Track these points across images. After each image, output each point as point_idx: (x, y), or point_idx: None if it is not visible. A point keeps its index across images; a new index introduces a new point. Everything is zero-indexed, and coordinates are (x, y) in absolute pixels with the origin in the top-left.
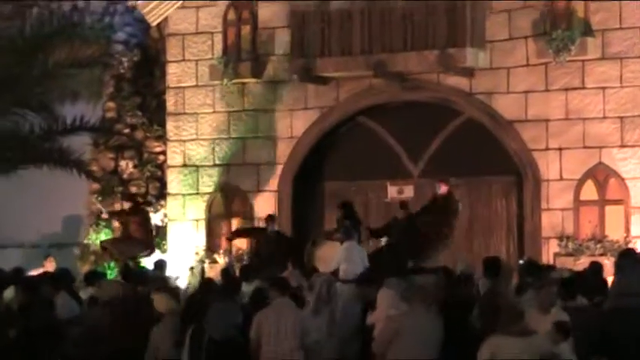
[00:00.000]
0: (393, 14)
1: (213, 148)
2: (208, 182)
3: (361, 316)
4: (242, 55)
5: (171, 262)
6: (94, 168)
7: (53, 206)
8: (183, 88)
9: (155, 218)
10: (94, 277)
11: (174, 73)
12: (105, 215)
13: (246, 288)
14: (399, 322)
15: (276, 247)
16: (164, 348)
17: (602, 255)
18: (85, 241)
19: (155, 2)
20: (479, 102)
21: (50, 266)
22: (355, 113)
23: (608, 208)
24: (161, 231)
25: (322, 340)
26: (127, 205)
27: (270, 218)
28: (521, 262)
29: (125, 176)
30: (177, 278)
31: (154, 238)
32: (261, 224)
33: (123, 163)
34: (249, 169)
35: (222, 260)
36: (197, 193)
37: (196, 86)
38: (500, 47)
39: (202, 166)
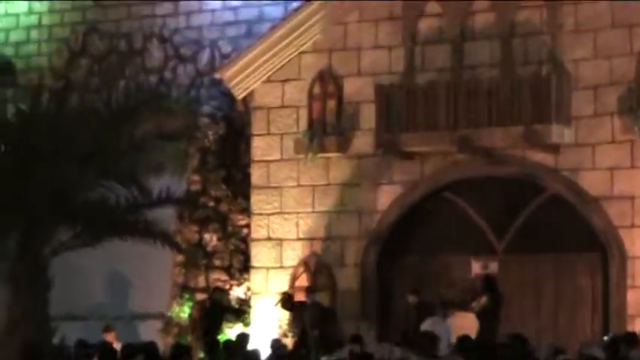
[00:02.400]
0: (478, 89)
1: (297, 222)
2: (292, 256)
3: None
4: (327, 129)
5: (254, 335)
6: (179, 240)
7: (137, 277)
8: (268, 161)
9: (238, 291)
10: (180, 350)
11: (259, 146)
12: None
13: None
14: None
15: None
16: None
17: None
18: (169, 314)
19: (241, 76)
20: (564, 178)
21: (111, 337)
22: (440, 188)
23: None
24: (244, 304)
25: None
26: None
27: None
28: (605, 338)
29: (209, 249)
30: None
31: None
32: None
33: (207, 236)
34: (333, 243)
35: None
36: (281, 267)
37: (281, 160)
38: (585, 123)
39: (286, 239)
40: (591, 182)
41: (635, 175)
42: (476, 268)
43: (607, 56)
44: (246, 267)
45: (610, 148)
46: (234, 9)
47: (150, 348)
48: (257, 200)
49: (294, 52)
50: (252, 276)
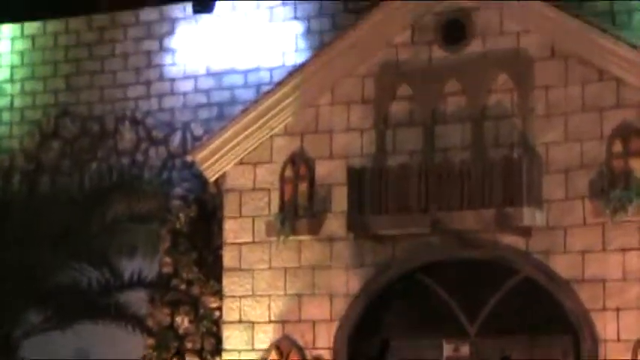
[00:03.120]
0: (450, 171)
1: (269, 305)
2: (264, 339)
3: None
4: (299, 211)
5: None
6: (150, 323)
7: None
8: (240, 244)
9: None
10: None
11: (231, 228)
12: None
13: None
14: None
15: None
16: None
17: None
18: None
19: (213, 158)
20: (536, 261)
21: None
22: (412, 270)
23: None
24: None
25: None
26: None
27: None
28: None
29: (181, 332)
30: None
31: None
32: None
33: (179, 319)
34: (304, 326)
35: None
36: (252, 349)
37: (253, 242)
38: (557, 206)
39: (258, 322)
40: (563, 265)
41: (607, 259)
42: (448, 350)
43: (578, 139)
44: (218, 350)
45: (581, 231)
46: (206, 91)
47: None
48: (229, 283)
49: (266, 134)
50: (223, 359)
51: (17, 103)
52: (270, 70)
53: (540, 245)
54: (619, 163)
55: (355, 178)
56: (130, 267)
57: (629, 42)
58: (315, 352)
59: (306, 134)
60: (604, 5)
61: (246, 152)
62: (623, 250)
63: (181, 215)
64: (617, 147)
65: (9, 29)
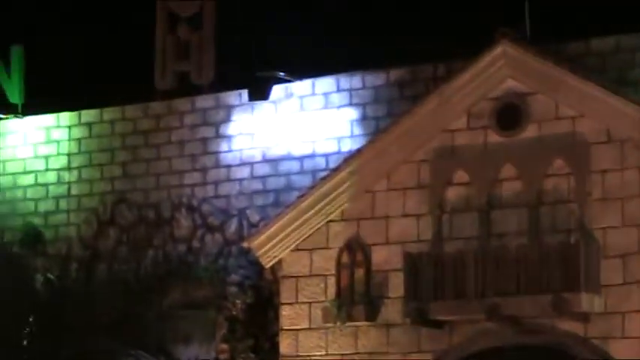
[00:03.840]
0: (506, 257)
1: None
2: None
3: None
4: (355, 297)
5: None
6: None
7: None
8: (297, 330)
9: None
10: None
11: (288, 315)
12: None
13: None
14: None
15: None
16: None
17: None
18: None
19: (269, 245)
20: (594, 347)
21: None
22: (469, 357)
23: None
24: None
25: None
26: None
27: None
28: None
29: None
30: None
31: None
32: None
33: None
34: None
35: None
36: None
37: (309, 329)
38: (615, 291)
39: None
40: (622, 351)
41: None
42: None
43: (635, 224)
44: None
45: None
46: (262, 178)
47: None
48: None
49: (322, 220)
50: None
51: (74, 190)
52: (326, 156)
53: (599, 331)
54: None
55: (412, 263)
56: (186, 354)
57: None
58: None
59: (363, 220)
60: None
61: (302, 238)
62: None
63: (237, 302)
64: None
65: (67, 117)
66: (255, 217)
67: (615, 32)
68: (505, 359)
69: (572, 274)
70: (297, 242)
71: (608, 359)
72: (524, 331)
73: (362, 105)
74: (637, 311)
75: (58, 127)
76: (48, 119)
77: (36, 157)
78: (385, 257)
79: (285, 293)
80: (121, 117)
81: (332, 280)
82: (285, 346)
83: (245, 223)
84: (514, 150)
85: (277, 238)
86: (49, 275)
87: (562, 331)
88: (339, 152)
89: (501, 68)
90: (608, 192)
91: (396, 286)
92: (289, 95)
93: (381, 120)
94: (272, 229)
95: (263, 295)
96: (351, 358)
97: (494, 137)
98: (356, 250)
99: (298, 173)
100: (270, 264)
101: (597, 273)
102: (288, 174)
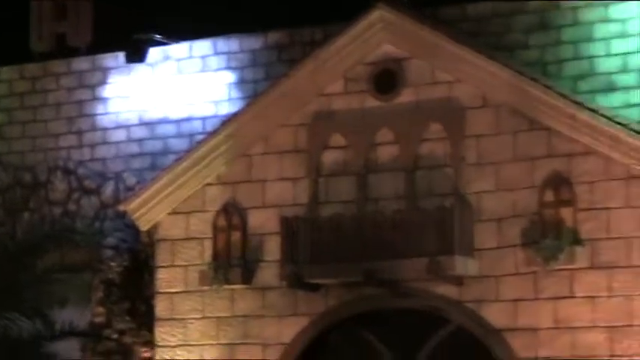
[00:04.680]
0: (382, 221)
1: (202, 354)
2: None
3: None
4: (231, 261)
5: None
6: None
7: None
8: (173, 293)
9: None
10: None
11: (164, 278)
12: None
13: None
14: None
15: None
16: None
17: None
18: None
19: (145, 208)
20: (468, 310)
21: None
22: (345, 320)
23: None
24: None
25: None
26: None
27: None
28: None
29: None
30: None
31: None
32: None
33: None
34: None
35: None
36: None
37: (185, 292)
38: (489, 255)
39: None
40: (495, 314)
41: (539, 307)
42: None
43: (509, 189)
44: None
45: (513, 280)
46: (139, 141)
47: None
48: (161, 332)
49: (199, 184)
50: None
51: None
52: (203, 119)
53: (472, 294)
54: (550, 212)
55: (288, 227)
56: (61, 317)
57: (558, 91)
58: None
59: (239, 183)
60: (534, 55)
61: (178, 202)
62: (555, 298)
63: (114, 265)
64: (548, 196)
65: None
66: (131, 180)
67: None
68: (381, 323)
69: (447, 238)
70: (174, 205)
71: (481, 323)
72: (400, 295)
73: (239, 68)
74: (510, 275)
75: None
76: None
77: None
78: (262, 221)
79: (162, 256)
80: None
81: (208, 244)
82: (161, 308)
83: (121, 186)
84: (391, 114)
85: (154, 202)
86: None
87: (437, 294)
88: (216, 116)
89: (378, 33)
90: (482, 156)
91: (273, 249)
92: (166, 58)
93: (259, 83)
94: (148, 193)
95: (139, 258)
96: (227, 321)
97: (371, 101)
98: (232, 213)
99: (175, 136)
100: (147, 227)
101: (471, 237)
102: (165, 137)
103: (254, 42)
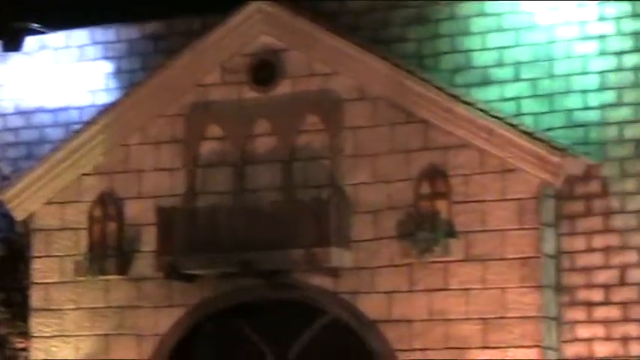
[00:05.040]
0: (259, 212)
1: (77, 345)
2: None
3: None
4: (107, 251)
5: None
6: None
7: None
8: (48, 283)
9: None
10: None
11: (39, 268)
12: None
13: None
14: None
15: None
16: None
17: None
18: None
19: (21, 197)
20: (343, 302)
21: None
22: (221, 311)
23: None
24: None
25: None
26: None
27: None
28: None
29: None
30: None
31: None
32: None
33: None
34: None
35: None
36: None
37: (61, 282)
38: (365, 247)
39: None
40: (370, 306)
41: (414, 299)
42: None
43: (386, 181)
44: None
45: (389, 272)
46: (15, 130)
47: None
48: (36, 323)
49: (75, 174)
50: None
51: None
52: (80, 109)
53: (348, 286)
54: (426, 205)
55: (164, 218)
56: None
57: (435, 84)
58: None
59: (116, 174)
60: (412, 48)
61: (54, 192)
62: (429, 290)
63: None
64: (425, 188)
65: None
66: (7, 170)
67: None
68: (257, 314)
69: (324, 230)
70: (50, 195)
71: (356, 314)
72: (276, 286)
73: (117, 58)
74: (385, 266)
75: None
76: None
77: None
78: (138, 211)
79: (37, 246)
80: None
81: (84, 234)
82: (36, 299)
83: None
84: (268, 106)
85: (29, 191)
86: None
87: (313, 286)
88: (93, 105)
89: (256, 24)
90: (360, 148)
91: (149, 240)
92: (43, 47)
93: (136, 73)
94: (24, 182)
95: (15, 248)
96: (103, 312)
97: (248, 93)
98: (108, 203)
99: (52, 126)
100: (23, 217)
101: (348, 228)
102: (41, 126)
103: (131, 32)
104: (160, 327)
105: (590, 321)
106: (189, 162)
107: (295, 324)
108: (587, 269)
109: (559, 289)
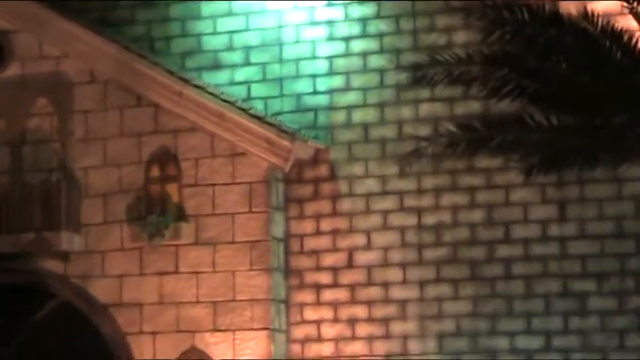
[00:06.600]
0: None
1: None
2: None
3: None
4: None
5: None
6: None
7: None
8: None
9: None
10: None
11: None
12: None
13: None
14: None
15: None
16: None
17: None
18: None
19: None
20: (74, 286)
21: None
22: None
23: None
24: None
25: None
26: None
27: None
28: None
29: None
30: None
31: None
32: None
33: None
34: None
35: None
36: None
37: None
38: (95, 231)
39: None
40: (101, 289)
41: (144, 283)
42: None
43: (117, 164)
44: None
45: (119, 256)
46: None
47: None
48: None
49: None
50: None
51: None
52: None
53: (78, 269)
54: (156, 188)
55: None
56: None
57: (165, 68)
58: None
59: None
60: (142, 30)
61: None
62: (160, 274)
63: None
64: (155, 172)
65: None
66: None
67: None
68: None
69: (53, 213)
70: None
71: (87, 298)
72: (4, 270)
73: None
74: (116, 250)
75: None
76: None
77: None
78: None
79: None
80: None
81: None
82: None
83: None
84: None
85: None
86: None
87: (43, 269)
88: None
89: None
90: (90, 132)
91: None
92: None
93: None
94: None
95: None
96: None
97: None
98: None
99: None
100: None
101: (78, 212)
102: None
103: None
104: None
105: (319, 303)
106: None
107: (24, 309)
108: (316, 252)
109: (288, 271)
